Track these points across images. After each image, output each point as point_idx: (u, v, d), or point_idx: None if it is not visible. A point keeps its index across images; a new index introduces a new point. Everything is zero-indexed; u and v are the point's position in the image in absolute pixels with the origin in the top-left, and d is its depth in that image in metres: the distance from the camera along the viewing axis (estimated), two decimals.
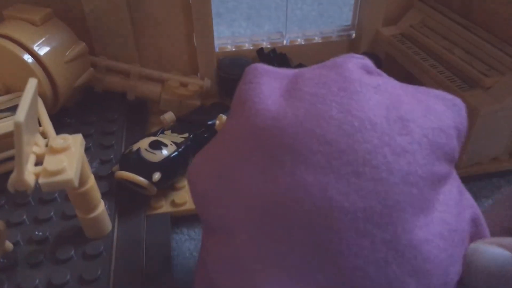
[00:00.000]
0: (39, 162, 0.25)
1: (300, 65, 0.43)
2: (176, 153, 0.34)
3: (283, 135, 0.19)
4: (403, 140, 0.19)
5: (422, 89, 0.22)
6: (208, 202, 0.22)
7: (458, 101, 0.23)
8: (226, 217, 0.21)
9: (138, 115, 0.43)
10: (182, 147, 0.35)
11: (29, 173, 0.23)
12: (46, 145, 0.26)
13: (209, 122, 0.38)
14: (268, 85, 0.22)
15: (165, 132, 0.37)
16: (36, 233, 0.30)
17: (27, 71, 0.34)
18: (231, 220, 0.21)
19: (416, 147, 0.19)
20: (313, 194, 0.18)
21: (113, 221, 0.31)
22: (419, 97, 0.21)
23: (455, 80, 0.37)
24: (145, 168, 0.33)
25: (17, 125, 0.21)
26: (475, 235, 0.21)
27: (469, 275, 0.19)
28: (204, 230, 0.24)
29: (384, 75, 0.23)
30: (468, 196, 0.23)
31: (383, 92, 0.20)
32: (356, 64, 0.21)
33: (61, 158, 0.24)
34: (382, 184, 0.18)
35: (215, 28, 0.43)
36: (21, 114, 0.21)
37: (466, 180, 0.39)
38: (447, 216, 0.19)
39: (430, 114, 0.20)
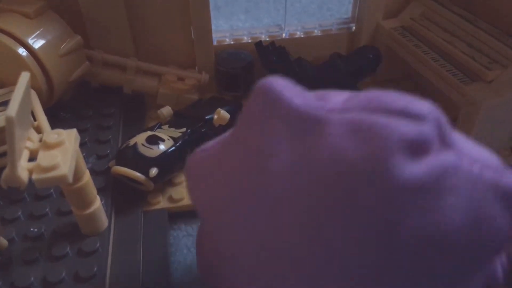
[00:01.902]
0: (33, 157, 0.24)
1: (299, 59, 0.42)
2: (173, 148, 0.34)
3: None
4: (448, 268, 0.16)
5: None
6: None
7: None
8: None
9: (135, 109, 0.43)
10: (180, 142, 0.35)
11: (22, 169, 0.23)
12: (40, 140, 0.25)
13: (207, 117, 0.38)
14: (278, 135, 0.17)
15: (162, 127, 0.37)
16: (31, 229, 0.29)
17: (21, 65, 0.34)
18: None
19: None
20: None
21: (109, 217, 0.31)
22: None
23: (457, 74, 0.37)
24: (142, 163, 0.32)
25: (9, 120, 0.21)
26: None
27: None
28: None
29: (448, 143, 0.16)
30: None
31: (426, 200, 0.15)
32: (403, 140, 0.14)
33: (55, 153, 0.24)
34: None
35: (213, 21, 0.42)
36: (12, 109, 0.21)
37: None
38: None
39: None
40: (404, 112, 0.15)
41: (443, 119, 0.16)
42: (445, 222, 0.15)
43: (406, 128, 0.14)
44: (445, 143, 0.16)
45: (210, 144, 0.23)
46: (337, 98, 0.17)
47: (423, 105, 0.15)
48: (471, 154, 0.17)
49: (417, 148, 0.15)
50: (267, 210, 0.17)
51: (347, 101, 0.17)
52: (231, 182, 0.18)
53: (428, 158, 0.15)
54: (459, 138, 0.17)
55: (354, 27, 0.47)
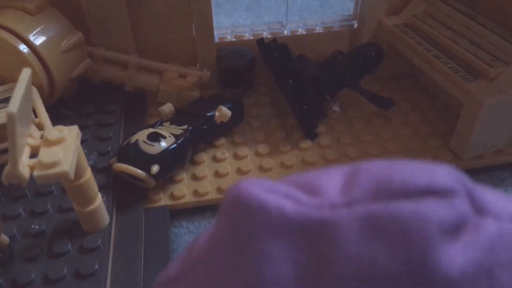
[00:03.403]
0: (34, 154, 0.24)
1: (301, 56, 0.42)
2: (174, 145, 0.34)
3: None
4: None
5: None
6: None
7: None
8: None
9: (136, 106, 0.43)
10: (181, 139, 0.34)
11: (24, 166, 0.23)
12: (42, 137, 0.25)
13: (208, 114, 0.38)
14: (276, 252, 0.12)
15: (163, 124, 0.37)
16: (33, 226, 0.29)
17: (22, 61, 0.34)
18: None
19: None
20: None
21: (110, 214, 0.31)
22: None
23: (459, 71, 0.36)
24: (143, 160, 0.32)
25: (10, 117, 0.21)
26: None
27: None
28: None
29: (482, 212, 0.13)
30: None
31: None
32: (441, 225, 0.11)
33: (56, 150, 0.24)
34: None
35: (214, 18, 0.42)
36: (14, 106, 0.21)
37: (469, 173, 0.38)
38: None
39: None
40: (430, 190, 0.12)
41: (468, 181, 0.13)
42: None
43: (441, 211, 0.12)
44: (479, 210, 0.13)
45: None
46: (331, 186, 0.13)
47: (446, 174, 0.12)
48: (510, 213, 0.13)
49: (455, 229, 0.12)
50: None
51: (348, 189, 0.13)
52: None
53: (466, 236, 0.12)
54: (488, 195, 0.13)
55: (356, 24, 0.47)
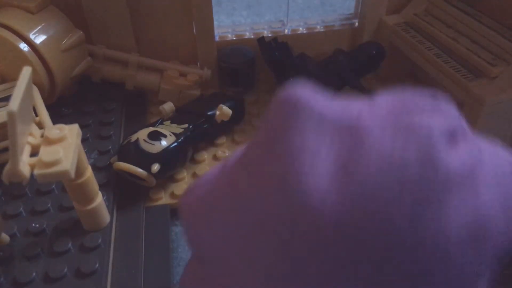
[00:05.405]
0: (35, 153, 0.24)
1: (302, 54, 0.42)
2: (175, 144, 0.34)
3: (336, 242, 0.15)
4: (476, 260, 0.16)
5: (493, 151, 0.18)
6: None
7: None
8: None
9: (137, 105, 0.43)
10: (182, 138, 0.34)
11: (24, 164, 0.23)
12: (42, 136, 0.25)
13: (209, 113, 0.38)
14: (316, 144, 0.16)
15: (164, 123, 0.37)
16: (33, 225, 0.29)
17: (23, 60, 0.34)
18: None
19: (487, 263, 0.17)
20: None
21: (111, 213, 0.31)
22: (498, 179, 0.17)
23: (460, 70, 0.36)
24: (144, 159, 0.32)
25: (10, 115, 0.20)
26: None
27: None
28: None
29: (470, 137, 0.18)
30: None
31: (468, 186, 0.16)
32: (442, 133, 0.16)
33: (57, 148, 0.24)
34: None
35: (215, 16, 0.42)
36: (14, 104, 0.21)
37: None
38: None
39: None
40: (437, 108, 0.17)
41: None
42: (483, 208, 0.16)
43: (444, 116, 0.16)
44: (463, 133, 0.17)
45: (205, 179, 0.21)
46: (360, 106, 0.17)
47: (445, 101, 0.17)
48: (489, 149, 0.18)
49: (453, 138, 0.16)
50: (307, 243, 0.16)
51: (374, 108, 0.17)
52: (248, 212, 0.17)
53: (460, 148, 0.16)
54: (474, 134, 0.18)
55: (357, 23, 0.47)
